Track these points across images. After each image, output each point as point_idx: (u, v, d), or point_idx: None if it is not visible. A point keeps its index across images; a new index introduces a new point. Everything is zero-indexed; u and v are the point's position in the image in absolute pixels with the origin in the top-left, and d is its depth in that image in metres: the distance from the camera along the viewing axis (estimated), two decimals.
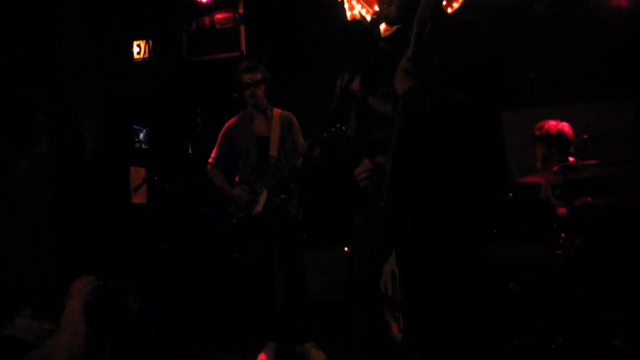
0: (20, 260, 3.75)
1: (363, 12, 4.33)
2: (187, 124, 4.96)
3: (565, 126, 3.56)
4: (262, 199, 3.74)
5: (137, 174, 4.69)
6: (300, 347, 3.65)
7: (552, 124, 3.57)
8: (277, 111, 3.91)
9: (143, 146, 4.88)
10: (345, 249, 4.03)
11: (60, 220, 4.20)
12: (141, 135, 4.87)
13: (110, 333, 2.01)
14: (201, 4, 4.74)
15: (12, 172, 3.92)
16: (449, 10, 4.15)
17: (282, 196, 3.71)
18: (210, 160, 3.95)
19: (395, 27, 2.11)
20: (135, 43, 4.93)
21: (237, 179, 3.86)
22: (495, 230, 3.09)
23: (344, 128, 2.36)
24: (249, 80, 3.77)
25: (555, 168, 3.21)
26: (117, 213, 4.51)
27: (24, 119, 3.91)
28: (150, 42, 4.92)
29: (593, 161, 3.17)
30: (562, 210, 3.33)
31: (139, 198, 4.66)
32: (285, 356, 3.67)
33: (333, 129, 1.97)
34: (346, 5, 4.39)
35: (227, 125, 3.96)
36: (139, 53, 4.93)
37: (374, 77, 1.99)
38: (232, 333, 4.31)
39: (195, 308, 4.52)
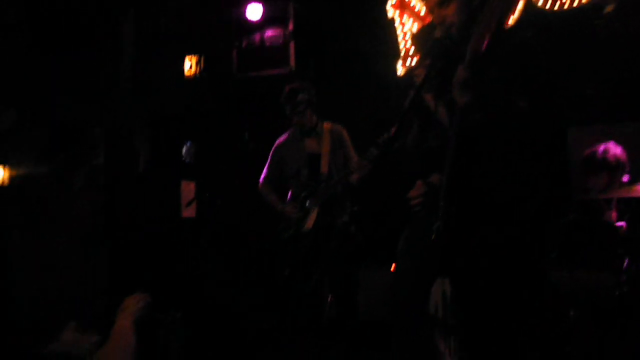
0: (72, 272, 3.85)
1: (414, 28, 4.27)
2: (235, 139, 5.00)
3: (618, 150, 3.37)
4: (313, 217, 3.74)
5: (188, 187, 4.76)
6: None
7: (610, 152, 3.36)
8: (326, 126, 3.90)
9: (188, 160, 4.95)
10: (393, 267, 3.95)
11: (113, 233, 4.28)
12: (184, 150, 4.94)
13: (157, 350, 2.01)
14: (251, 22, 4.81)
15: (69, 186, 4.04)
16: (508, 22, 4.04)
17: (344, 219, 3.73)
18: (261, 179, 4.00)
19: None
20: (186, 59, 5.03)
21: (289, 196, 3.88)
22: (554, 254, 2.96)
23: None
24: (293, 107, 3.78)
25: (616, 191, 3.07)
26: (168, 226, 4.57)
27: (82, 135, 4.03)
28: (202, 58, 5.01)
29: None
30: (623, 228, 3.16)
31: (188, 212, 4.71)
32: None
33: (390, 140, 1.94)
34: (397, 22, 4.35)
35: (277, 143, 3.99)
36: (189, 69, 5.02)
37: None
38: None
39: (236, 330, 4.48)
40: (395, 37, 4.39)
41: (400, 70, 4.28)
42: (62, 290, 3.89)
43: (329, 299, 3.67)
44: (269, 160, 4.00)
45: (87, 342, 2.00)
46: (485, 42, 1.78)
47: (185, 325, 3.00)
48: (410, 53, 4.21)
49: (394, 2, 4.27)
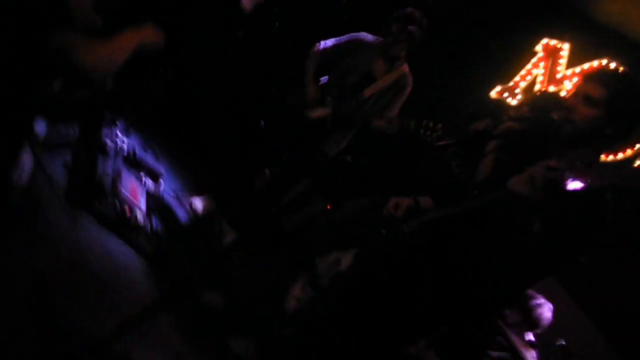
0: None
1: (538, 80, 4.15)
2: None
3: None
4: (323, 112, 3.70)
5: None
6: None
7: None
8: (404, 68, 3.78)
9: None
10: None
11: None
12: None
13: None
14: None
15: None
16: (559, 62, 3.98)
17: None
18: (321, 46, 3.84)
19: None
20: None
21: (321, 80, 3.80)
22: None
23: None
24: (401, 30, 3.61)
25: None
26: None
27: None
28: None
29: None
30: None
31: None
32: None
33: None
34: (533, 60, 4.21)
35: (361, 37, 3.83)
36: None
37: None
38: None
39: None
40: (516, 65, 4.28)
41: (493, 94, 4.20)
42: None
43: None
44: (343, 40, 3.83)
45: None
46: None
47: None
48: (516, 91, 4.13)
49: (547, 44, 4.12)
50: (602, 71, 2.45)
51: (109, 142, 3.00)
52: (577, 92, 2.02)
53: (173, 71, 1.95)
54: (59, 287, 2.17)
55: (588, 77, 2.08)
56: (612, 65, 3.72)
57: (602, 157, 2.07)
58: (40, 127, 2.61)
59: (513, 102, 4.09)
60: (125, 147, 3.19)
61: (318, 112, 3.74)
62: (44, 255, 2.24)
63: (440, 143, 2.43)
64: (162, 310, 2.01)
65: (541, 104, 3.68)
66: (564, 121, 2.00)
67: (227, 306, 2.88)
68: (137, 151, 3.35)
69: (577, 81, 3.81)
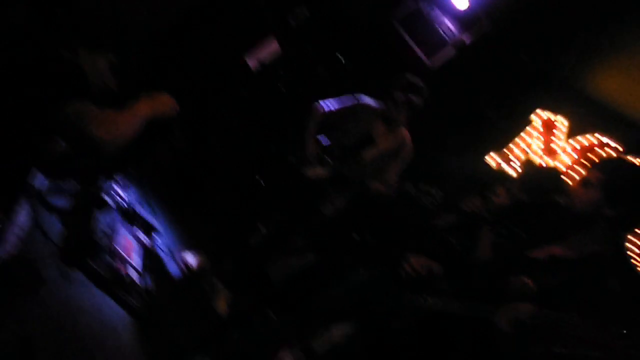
0: None
1: (536, 153, 4.20)
2: None
3: None
4: (320, 172, 3.70)
5: None
6: None
7: None
8: (404, 135, 3.82)
9: None
10: None
11: None
12: None
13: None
14: None
15: None
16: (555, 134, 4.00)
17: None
18: (326, 106, 3.86)
19: None
20: None
21: (320, 140, 3.81)
22: None
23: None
24: (405, 98, 3.66)
25: None
26: None
27: None
28: None
29: None
30: None
31: None
32: None
33: None
34: (528, 131, 4.29)
35: (363, 99, 3.87)
36: None
37: None
38: None
39: None
40: (513, 134, 4.34)
41: (492, 163, 4.24)
42: None
43: None
44: (346, 104, 3.87)
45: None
46: None
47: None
48: (511, 158, 4.18)
49: (545, 118, 4.21)
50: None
51: (106, 196, 2.97)
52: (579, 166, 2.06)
53: (183, 136, 1.94)
54: (45, 348, 2.10)
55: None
56: (609, 141, 3.79)
57: None
58: (38, 181, 2.58)
59: (509, 170, 4.14)
60: (122, 201, 3.16)
61: (317, 172, 3.74)
62: (32, 315, 2.17)
63: (438, 221, 2.44)
64: None
65: (537, 180, 3.72)
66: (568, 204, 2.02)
67: None
68: (134, 206, 3.32)
69: (572, 155, 3.89)
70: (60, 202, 2.71)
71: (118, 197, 3.13)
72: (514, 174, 4.11)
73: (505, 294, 1.92)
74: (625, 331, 1.53)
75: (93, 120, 1.51)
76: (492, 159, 4.21)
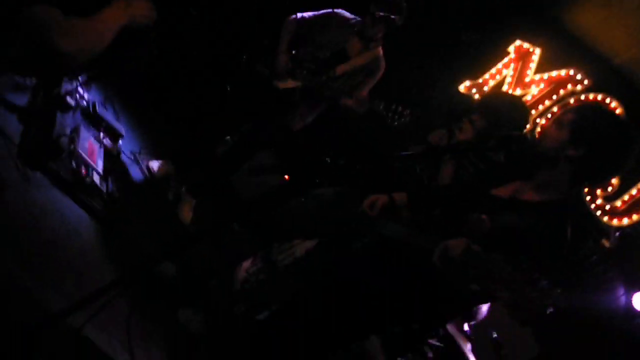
0: None
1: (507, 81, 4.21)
2: None
3: None
4: (292, 84, 3.66)
5: None
6: None
7: None
8: (378, 51, 3.75)
9: None
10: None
11: None
12: None
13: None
14: None
15: None
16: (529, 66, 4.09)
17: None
18: (299, 15, 3.75)
19: None
20: None
21: (293, 52, 3.72)
22: None
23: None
24: (384, 14, 3.55)
25: None
26: None
27: None
28: None
29: None
30: None
31: None
32: None
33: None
34: (504, 61, 4.28)
35: (340, 12, 3.76)
36: None
37: None
38: None
39: None
40: (487, 62, 4.32)
41: (462, 88, 4.24)
42: None
43: None
44: (321, 14, 3.75)
45: None
46: None
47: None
48: (484, 89, 4.18)
49: (520, 46, 4.18)
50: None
51: (70, 98, 2.85)
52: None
53: (158, 43, 1.83)
54: (8, 250, 2.10)
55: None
56: (578, 76, 3.83)
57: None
58: None
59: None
60: (85, 102, 3.05)
61: (287, 83, 3.70)
62: None
63: (404, 153, 2.46)
64: (117, 287, 1.97)
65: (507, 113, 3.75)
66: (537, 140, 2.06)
67: (180, 277, 2.87)
68: (97, 107, 3.20)
69: (542, 88, 3.92)
70: (21, 101, 2.60)
71: (82, 100, 3.02)
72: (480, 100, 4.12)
73: (460, 228, 1.98)
74: (537, 276, 1.59)
75: (57, 28, 1.40)
76: (466, 89, 4.21)
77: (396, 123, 3.58)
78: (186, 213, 3.39)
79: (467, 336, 3.43)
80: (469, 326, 3.57)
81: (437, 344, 3.26)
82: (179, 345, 2.68)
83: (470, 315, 3.56)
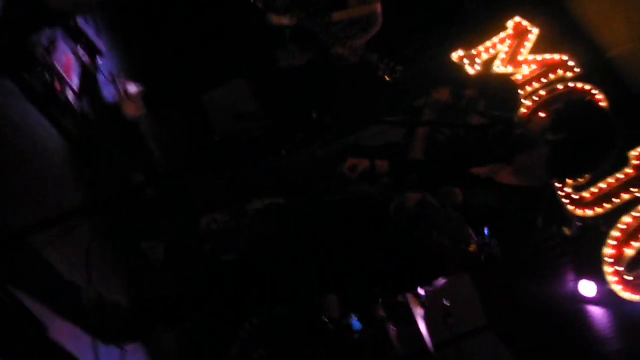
0: None
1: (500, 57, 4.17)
2: None
3: None
4: (286, 20, 3.57)
5: None
6: None
7: None
8: (376, 7, 3.69)
9: None
10: None
11: None
12: None
13: None
14: None
15: None
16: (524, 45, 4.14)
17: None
18: None
19: None
20: None
21: None
22: None
23: None
24: None
25: None
26: None
27: None
28: None
29: None
30: None
31: None
32: None
33: None
34: (501, 35, 4.22)
35: None
36: None
37: None
38: None
39: None
40: (480, 32, 4.26)
41: (454, 57, 4.17)
42: None
43: None
44: None
45: None
46: None
47: None
48: (476, 60, 4.13)
49: (519, 22, 4.11)
50: None
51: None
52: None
53: None
54: None
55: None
56: (570, 63, 3.81)
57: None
58: None
59: (470, 70, 4.11)
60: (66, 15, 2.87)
61: (281, 19, 3.61)
62: None
63: (390, 119, 2.44)
64: (82, 213, 1.93)
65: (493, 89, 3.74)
66: (523, 123, 2.06)
67: (149, 209, 2.82)
68: (78, 19, 3.03)
69: (534, 69, 3.89)
70: None
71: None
72: (472, 77, 4.08)
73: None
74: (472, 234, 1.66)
75: None
76: (459, 58, 4.15)
77: (387, 77, 3.57)
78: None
79: (421, 301, 3.52)
80: (425, 291, 3.67)
81: (391, 304, 3.34)
82: (137, 274, 2.67)
83: (428, 282, 3.65)
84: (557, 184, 3.54)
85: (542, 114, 2.12)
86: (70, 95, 2.78)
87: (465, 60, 4.11)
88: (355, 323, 3.15)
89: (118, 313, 2.17)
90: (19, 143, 2.33)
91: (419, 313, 3.44)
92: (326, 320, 3.03)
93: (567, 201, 3.61)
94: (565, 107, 2.07)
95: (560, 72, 3.83)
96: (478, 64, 4.08)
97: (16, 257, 1.83)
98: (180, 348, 2.68)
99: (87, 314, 2.05)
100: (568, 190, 3.64)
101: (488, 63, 4.08)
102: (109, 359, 2.18)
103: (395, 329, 3.28)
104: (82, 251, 2.26)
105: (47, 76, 2.64)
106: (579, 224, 3.66)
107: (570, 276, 3.91)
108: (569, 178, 3.02)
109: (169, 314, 2.19)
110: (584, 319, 3.76)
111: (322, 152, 2.60)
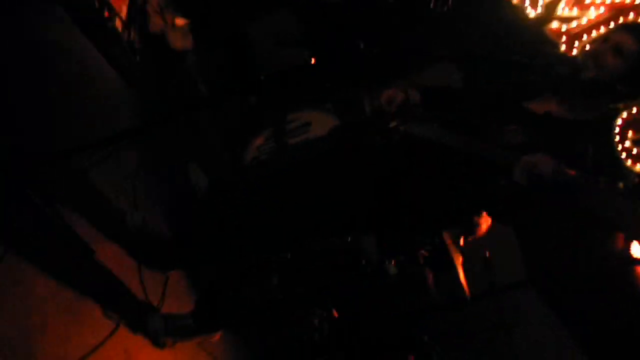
0: None
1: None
2: None
3: None
4: None
5: None
6: None
7: None
8: None
9: None
10: None
11: None
12: None
13: None
14: None
15: None
16: None
17: None
18: None
19: None
20: None
21: None
22: None
23: None
24: None
25: None
26: None
27: None
28: None
29: None
30: None
31: None
32: None
33: None
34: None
35: None
36: None
37: None
38: None
39: None
40: None
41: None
42: None
43: None
44: None
45: None
46: None
47: None
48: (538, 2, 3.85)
49: None
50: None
51: None
52: (609, 39, 1.91)
53: None
54: (20, 83, 2.04)
55: (623, 27, 1.96)
56: None
57: None
58: None
59: (532, 12, 3.85)
60: None
61: None
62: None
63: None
64: (129, 138, 1.94)
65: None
66: (591, 66, 1.90)
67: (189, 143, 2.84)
68: None
69: (602, 12, 3.61)
70: None
71: None
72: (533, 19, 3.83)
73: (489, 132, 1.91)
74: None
75: None
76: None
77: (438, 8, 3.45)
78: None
79: (461, 250, 3.47)
80: (464, 241, 3.60)
81: (430, 250, 3.31)
82: (181, 205, 2.72)
83: (469, 230, 3.57)
84: (616, 137, 3.34)
85: (612, 56, 1.93)
86: (119, 25, 2.77)
87: (527, 1, 3.85)
88: (392, 268, 3.14)
89: (161, 240, 2.22)
90: (69, 68, 2.35)
91: (458, 262, 3.40)
92: (364, 262, 3.03)
93: (625, 155, 3.41)
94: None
95: (632, 15, 3.55)
96: (541, 5, 3.81)
97: (63, 177, 1.87)
98: (220, 278, 2.73)
99: (131, 238, 2.10)
100: (627, 144, 3.44)
101: (552, 5, 3.81)
102: (152, 284, 2.24)
103: (432, 275, 3.25)
104: (129, 177, 2.30)
105: (97, 4, 2.63)
106: (636, 179, 3.47)
107: (622, 236, 3.74)
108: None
109: (209, 247, 2.20)
110: (634, 281, 3.63)
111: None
